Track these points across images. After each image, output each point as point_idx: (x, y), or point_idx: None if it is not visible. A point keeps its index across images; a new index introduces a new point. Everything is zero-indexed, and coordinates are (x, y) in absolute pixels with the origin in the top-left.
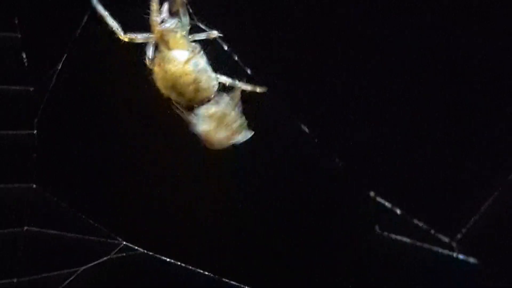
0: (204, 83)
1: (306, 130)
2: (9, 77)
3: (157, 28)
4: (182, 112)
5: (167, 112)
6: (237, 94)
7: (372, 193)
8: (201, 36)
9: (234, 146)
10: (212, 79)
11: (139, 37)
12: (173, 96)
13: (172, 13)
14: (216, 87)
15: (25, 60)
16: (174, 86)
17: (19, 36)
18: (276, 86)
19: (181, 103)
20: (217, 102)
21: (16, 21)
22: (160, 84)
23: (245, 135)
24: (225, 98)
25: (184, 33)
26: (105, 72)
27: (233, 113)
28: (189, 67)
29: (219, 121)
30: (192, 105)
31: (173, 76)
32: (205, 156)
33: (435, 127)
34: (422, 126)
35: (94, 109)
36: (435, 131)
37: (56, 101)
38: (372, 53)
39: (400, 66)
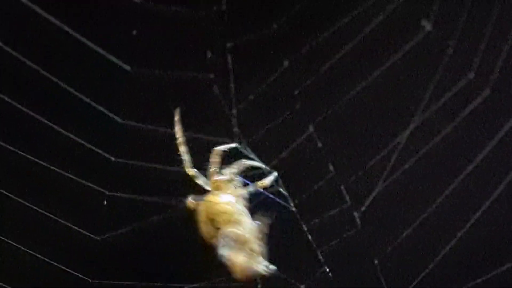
0: (239, 225)
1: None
2: None
3: (213, 178)
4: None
5: None
6: (265, 224)
7: None
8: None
9: None
10: (247, 222)
11: (199, 180)
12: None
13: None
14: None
15: None
16: (212, 220)
17: None
18: None
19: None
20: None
21: None
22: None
23: (265, 267)
24: (251, 223)
25: (235, 183)
26: None
27: (256, 240)
28: (230, 208)
29: (241, 245)
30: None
31: (213, 212)
32: None
33: None
34: None
35: None
36: None
37: None
38: None
39: None
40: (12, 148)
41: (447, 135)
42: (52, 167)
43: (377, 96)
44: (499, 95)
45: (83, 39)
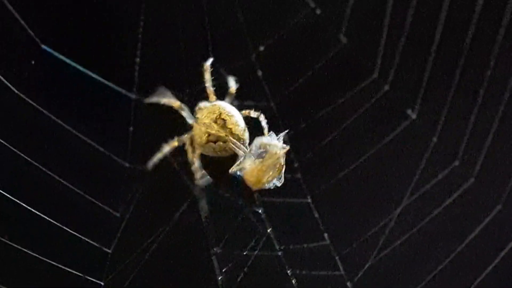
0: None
1: None
2: None
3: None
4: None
5: None
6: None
7: None
8: None
9: None
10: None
11: (184, 112)
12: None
13: None
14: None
15: None
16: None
17: None
18: None
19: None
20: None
21: None
22: (207, 125)
23: (279, 181)
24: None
25: None
26: None
27: (282, 158)
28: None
29: (271, 158)
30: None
31: (225, 116)
32: None
33: None
34: None
35: None
36: None
37: None
38: None
39: None
40: None
41: (434, 217)
42: None
43: (369, 175)
44: (483, 183)
45: (80, 135)
